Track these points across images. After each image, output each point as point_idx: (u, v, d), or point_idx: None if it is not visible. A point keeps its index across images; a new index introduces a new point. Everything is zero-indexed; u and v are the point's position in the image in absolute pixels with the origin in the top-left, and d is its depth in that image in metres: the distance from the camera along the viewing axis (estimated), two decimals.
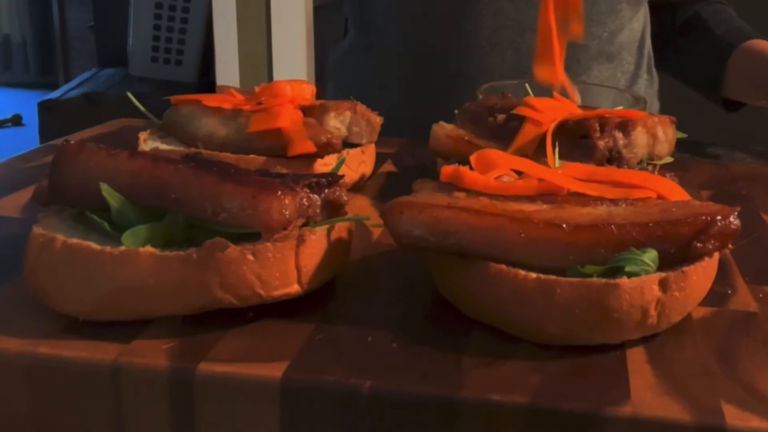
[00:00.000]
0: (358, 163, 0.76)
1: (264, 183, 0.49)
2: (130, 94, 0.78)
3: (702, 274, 0.49)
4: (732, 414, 0.42)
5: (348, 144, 0.75)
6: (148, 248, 0.48)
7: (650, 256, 0.47)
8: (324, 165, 0.70)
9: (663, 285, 0.47)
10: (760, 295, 0.57)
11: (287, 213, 0.49)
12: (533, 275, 0.47)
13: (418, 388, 0.44)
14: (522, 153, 0.66)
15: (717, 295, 0.56)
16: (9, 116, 4.51)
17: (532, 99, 0.73)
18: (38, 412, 0.47)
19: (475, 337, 0.50)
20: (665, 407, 0.43)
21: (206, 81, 2.94)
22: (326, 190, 0.52)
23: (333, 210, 0.53)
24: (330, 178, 0.53)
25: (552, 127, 0.67)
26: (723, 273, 0.60)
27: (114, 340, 0.47)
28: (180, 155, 0.56)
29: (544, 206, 0.51)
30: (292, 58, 2.52)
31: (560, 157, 0.61)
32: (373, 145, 0.79)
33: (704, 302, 0.52)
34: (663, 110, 0.74)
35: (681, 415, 0.42)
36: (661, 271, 0.48)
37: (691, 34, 1.16)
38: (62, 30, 4.83)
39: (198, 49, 3.06)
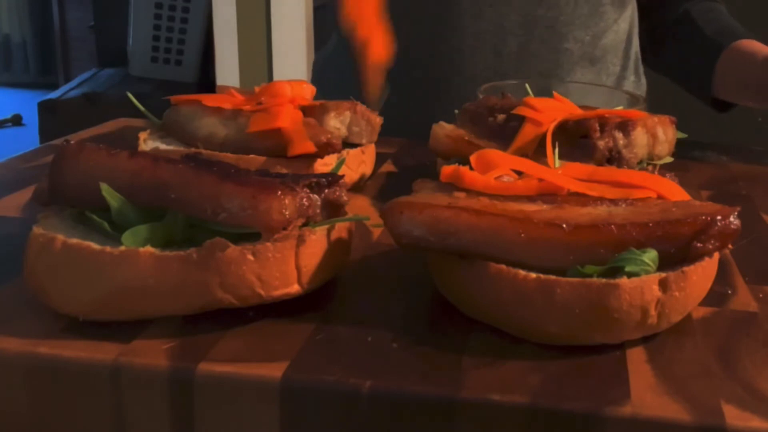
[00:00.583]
0: (358, 163, 0.76)
1: (264, 183, 0.49)
2: (130, 94, 0.78)
3: (702, 274, 0.49)
4: (732, 414, 0.42)
5: (348, 144, 0.75)
6: (148, 248, 0.48)
7: (650, 256, 0.47)
8: (324, 165, 0.70)
9: (663, 285, 0.47)
10: (760, 295, 0.57)
11: (287, 213, 0.49)
12: (533, 275, 0.47)
13: (418, 388, 0.44)
14: (522, 153, 0.66)
15: (717, 295, 0.56)
16: (9, 116, 4.51)
17: (532, 99, 0.73)
18: (38, 412, 0.47)
19: (475, 337, 0.50)
20: (665, 407, 0.43)
21: (206, 81, 2.94)
22: (326, 190, 0.53)
23: (333, 210, 0.53)
24: (330, 178, 0.53)
25: (552, 127, 0.67)
26: (723, 273, 0.60)
27: (114, 340, 0.47)
28: (180, 155, 0.56)
29: (544, 206, 0.51)
30: (292, 58, 2.52)
31: (560, 157, 0.61)
32: (373, 145, 0.79)
33: (704, 302, 0.52)
34: (662, 110, 0.74)
35: (681, 415, 0.42)
36: (661, 271, 0.48)
37: (680, 34, 1.15)
38: (62, 30, 4.83)
39: (198, 49, 3.06)
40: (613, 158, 0.68)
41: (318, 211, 0.52)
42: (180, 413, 0.45)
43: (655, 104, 1.05)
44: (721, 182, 0.87)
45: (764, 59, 0.99)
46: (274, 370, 0.45)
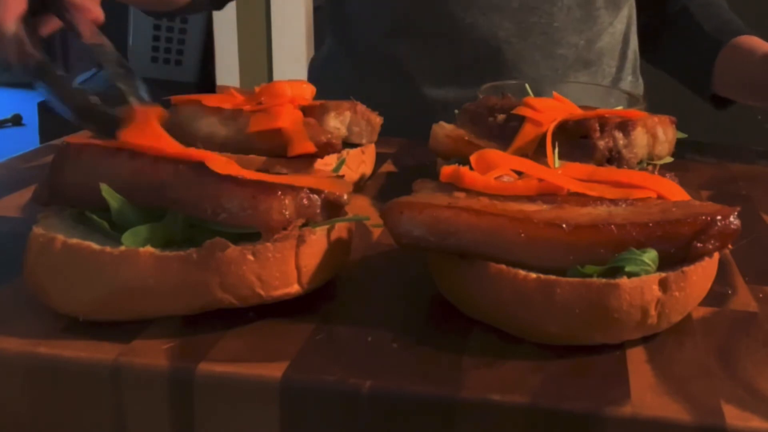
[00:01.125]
0: (358, 163, 0.76)
1: (264, 183, 0.49)
2: None
3: (702, 274, 0.49)
4: (732, 414, 0.42)
5: (348, 144, 0.75)
6: (148, 248, 0.48)
7: (650, 256, 0.47)
8: (324, 165, 0.70)
9: (663, 285, 0.47)
10: (760, 295, 0.57)
11: (287, 213, 0.49)
12: (533, 275, 0.47)
13: (418, 388, 0.44)
14: (522, 153, 0.66)
15: (717, 295, 0.56)
16: (9, 116, 4.51)
17: (532, 99, 0.73)
18: (38, 412, 0.47)
19: (475, 337, 0.50)
20: (665, 407, 0.43)
21: (206, 81, 2.93)
22: (326, 190, 0.52)
23: (333, 210, 0.53)
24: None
25: (552, 127, 0.67)
26: (723, 273, 0.60)
27: (114, 340, 0.47)
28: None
29: (544, 206, 0.51)
30: (292, 58, 2.53)
31: (560, 157, 0.61)
32: (373, 145, 0.79)
33: (704, 302, 0.52)
34: (662, 110, 0.74)
35: (681, 415, 0.42)
36: (661, 271, 0.48)
37: (679, 30, 1.13)
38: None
39: (198, 49, 3.06)
40: (613, 158, 0.68)
41: (318, 211, 0.52)
42: (180, 413, 0.45)
43: (655, 104, 1.05)
44: (721, 182, 0.87)
45: (763, 57, 0.99)
46: (274, 370, 0.45)
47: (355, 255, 0.58)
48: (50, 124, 2.88)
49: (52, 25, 0.76)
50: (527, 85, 0.82)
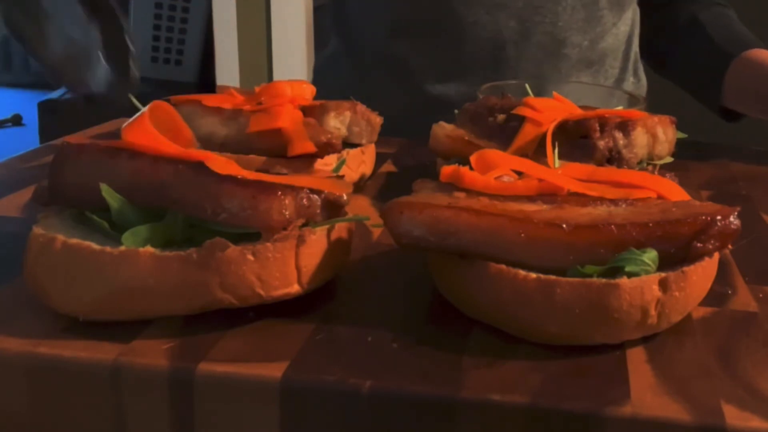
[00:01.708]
0: (358, 163, 0.76)
1: (264, 183, 0.49)
2: (130, 95, 0.78)
3: (702, 274, 0.49)
4: (732, 414, 0.42)
5: (348, 144, 0.75)
6: (148, 248, 0.48)
7: (650, 256, 0.47)
8: (324, 165, 0.70)
9: (663, 285, 0.47)
10: (760, 295, 0.57)
11: (287, 213, 0.49)
12: (533, 275, 0.47)
13: (418, 388, 0.44)
14: (522, 153, 0.66)
15: (717, 295, 0.56)
16: (9, 116, 4.51)
17: (532, 99, 0.73)
18: (38, 412, 0.47)
19: (475, 337, 0.50)
20: (665, 407, 0.43)
21: (206, 81, 2.93)
22: (326, 190, 0.52)
23: (333, 210, 0.53)
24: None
25: (552, 127, 0.67)
26: (723, 273, 0.60)
27: (114, 340, 0.47)
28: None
29: (544, 206, 0.51)
30: (292, 58, 2.52)
31: (560, 157, 0.61)
32: (373, 145, 0.79)
33: (704, 302, 0.52)
34: (662, 110, 0.74)
35: (681, 415, 0.42)
36: (661, 271, 0.48)
37: (689, 41, 1.12)
38: None
39: (198, 49, 3.06)
40: (613, 158, 0.68)
41: (318, 211, 0.52)
42: (180, 413, 0.45)
43: (655, 104, 1.05)
44: (721, 182, 0.87)
45: None
46: (274, 370, 0.45)
47: (355, 255, 0.58)
48: (50, 124, 2.88)
49: None
50: (527, 85, 0.82)
